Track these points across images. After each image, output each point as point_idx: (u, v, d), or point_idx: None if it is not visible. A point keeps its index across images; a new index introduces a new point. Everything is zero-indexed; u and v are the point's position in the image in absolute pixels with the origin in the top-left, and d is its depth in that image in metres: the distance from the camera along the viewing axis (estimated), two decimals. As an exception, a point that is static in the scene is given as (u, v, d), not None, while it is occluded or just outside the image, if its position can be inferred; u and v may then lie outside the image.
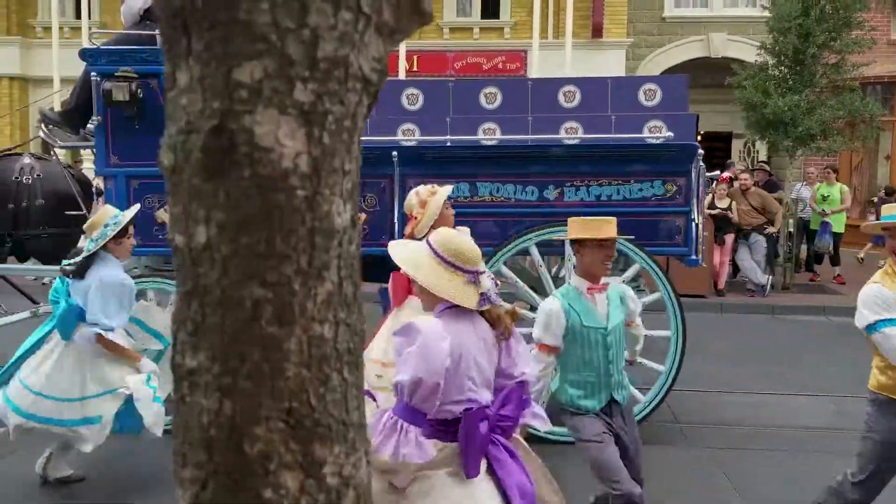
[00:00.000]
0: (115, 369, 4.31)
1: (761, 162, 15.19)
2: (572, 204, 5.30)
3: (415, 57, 14.63)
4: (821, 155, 12.25)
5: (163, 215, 5.25)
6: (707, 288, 10.47)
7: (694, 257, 5.48)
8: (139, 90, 5.26)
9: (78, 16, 15.90)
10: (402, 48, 13.47)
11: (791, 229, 11.52)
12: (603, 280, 3.51)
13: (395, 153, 5.22)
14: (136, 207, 4.62)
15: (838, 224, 11.70)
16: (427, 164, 5.31)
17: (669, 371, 5.31)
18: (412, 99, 5.48)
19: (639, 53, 15.84)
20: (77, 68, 5.57)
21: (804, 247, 12.37)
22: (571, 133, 5.33)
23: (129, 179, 5.43)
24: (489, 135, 5.36)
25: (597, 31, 15.03)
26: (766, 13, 11.78)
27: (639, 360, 4.97)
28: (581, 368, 3.45)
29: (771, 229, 10.92)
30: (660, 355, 5.35)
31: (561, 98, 5.45)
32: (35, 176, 6.61)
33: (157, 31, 5.45)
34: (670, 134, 5.19)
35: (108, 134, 5.41)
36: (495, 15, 15.72)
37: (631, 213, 5.29)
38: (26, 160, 6.76)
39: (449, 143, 5.31)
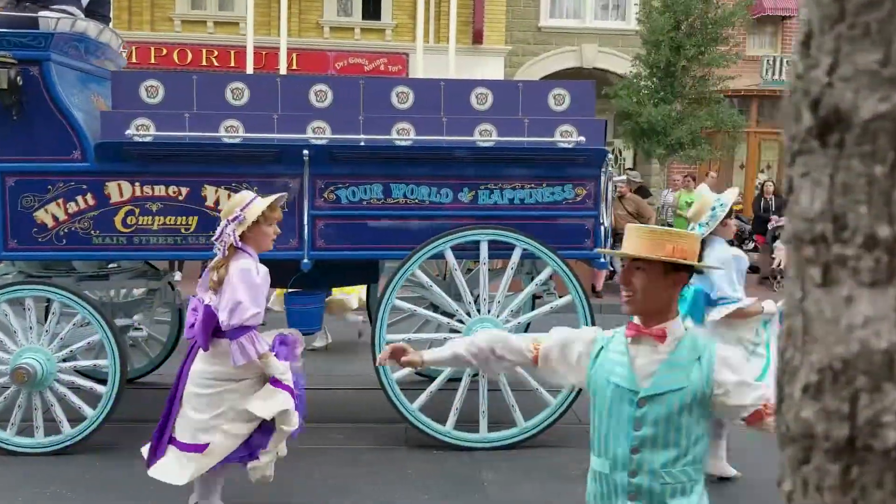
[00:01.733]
0: None
1: (629, 169, 15.91)
2: (486, 207, 5.27)
3: (294, 55, 14.22)
4: (689, 163, 12.95)
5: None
6: (586, 290, 10.75)
7: (603, 260, 5.59)
8: (18, 77, 4.75)
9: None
10: (283, 44, 13.04)
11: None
12: (666, 325, 2.26)
13: (306, 152, 4.99)
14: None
15: (702, 228, 12.41)
16: (339, 163, 5.12)
17: (580, 373, 5.38)
18: (321, 96, 5.25)
19: (516, 61, 16.16)
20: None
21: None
22: (486, 136, 5.29)
23: (3, 176, 4.88)
24: (403, 135, 5.23)
25: (477, 38, 15.20)
26: (635, 27, 12.37)
27: None
28: (598, 448, 2.31)
29: (645, 233, 11.40)
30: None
31: (473, 100, 5.39)
32: None
33: (39, 14, 4.95)
34: (582, 138, 5.26)
35: (-20, 125, 4.84)
36: (377, 16, 15.57)
37: (542, 216, 5.32)
38: None
39: (363, 143, 5.13)
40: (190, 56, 14.83)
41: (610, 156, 5.47)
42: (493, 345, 2.47)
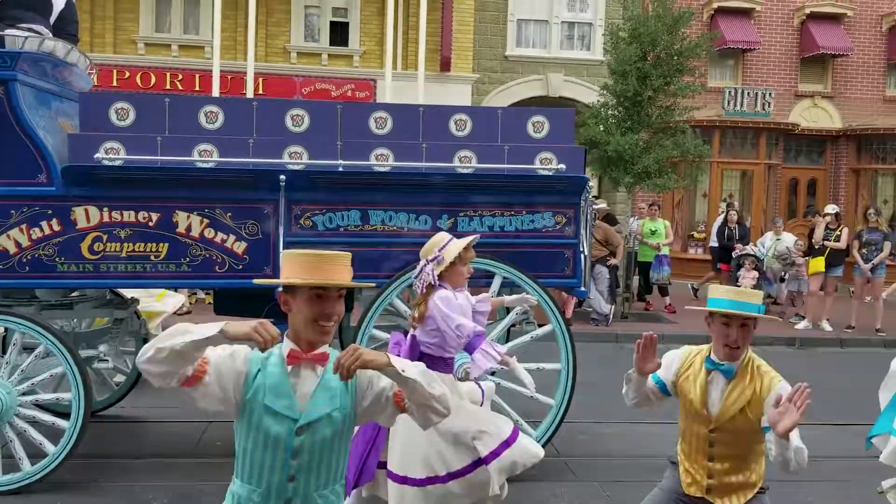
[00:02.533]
0: None
1: (594, 198, 16.03)
2: (466, 234, 5.18)
3: (261, 79, 14.09)
4: (656, 191, 13.06)
5: None
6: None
7: (583, 289, 5.53)
8: (-19, 97, 4.55)
9: None
10: (250, 69, 12.92)
11: (624, 261, 12.16)
12: (323, 349, 2.28)
13: (282, 177, 4.86)
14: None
15: (663, 257, 12.57)
16: (317, 189, 5.00)
17: (560, 404, 5.29)
18: (297, 120, 5.13)
19: (483, 89, 16.25)
20: None
21: (636, 278, 13.11)
22: (465, 162, 5.22)
23: (-38, 200, 4.65)
24: (382, 161, 5.13)
25: (445, 65, 15.24)
26: (601, 57, 12.51)
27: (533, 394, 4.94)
28: (247, 475, 2.23)
29: (613, 261, 11.45)
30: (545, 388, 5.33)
31: (452, 126, 5.32)
32: None
33: (5, 33, 4.76)
34: (562, 166, 5.23)
35: (-62, 146, 4.62)
36: (344, 42, 15.53)
37: (522, 244, 5.26)
38: None
39: (341, 168, 5.02)
40: (154, 79, 14.59)
41: (591, 183, 5.43)
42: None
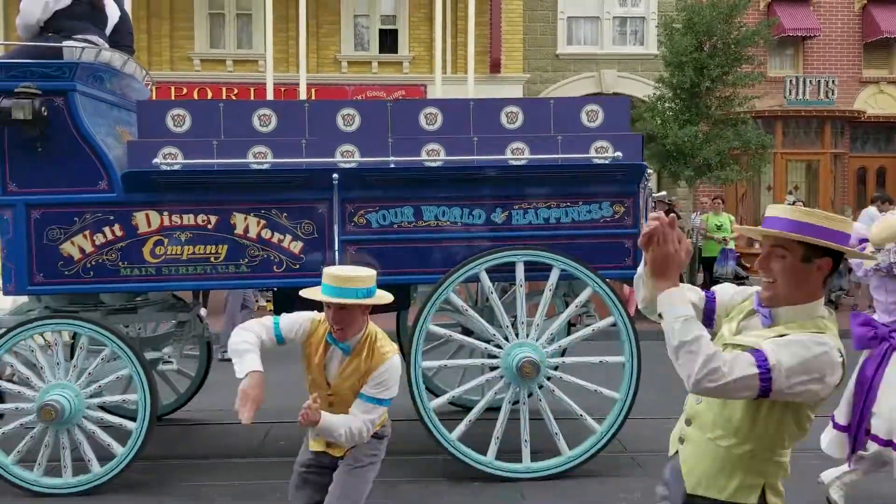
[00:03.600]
0: None
1: (659, 194, 15.73)
2: (521, 227, 5.11)
3: (313, 90, 14.28)
4: (718, 184, 12.73)
5: None
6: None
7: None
8: (43, 108, 4.67)
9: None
10: (303, 80, 13.11)
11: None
12: None
13: (335, 176, 4.86)
14: None
15: (730, 251, 12.19)
16: (369, 187, 4.99)
17: (625, 399, 5.15)
18: (348, 120, 5.14)
19: (534, 89, 16.12)
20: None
21: (700, 274, 12.77)
22: (518, 154, 5.14)
23: (28, 209, 4.78)
24: (433, 156, 5.09)
25: (495, 67, 15.20)
26: (655, 51, 12.27)
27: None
28: None
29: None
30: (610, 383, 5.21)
31: (503, 119, 5.26)
32: None
33: (63, 44, 4.89)
34: (619, 154, 5.10)
35: (5, 157, 4.76)
36: (393, 49, 15.63)
37: (580, 235, 5.14)
38: None
39: (393, 165, 5.00)
40: (210, 94, 14.92)
41: (649, 171, 5.28)
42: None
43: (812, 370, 2.00)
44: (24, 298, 5.34)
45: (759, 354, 2.01)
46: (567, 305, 5.22)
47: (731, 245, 12.30)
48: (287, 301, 5.60)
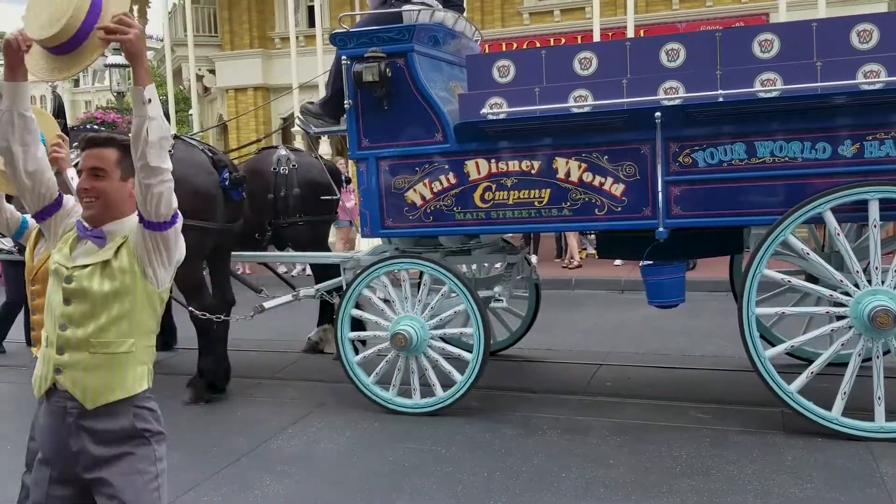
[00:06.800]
0: None
1: None
2: (876, 160, 4.49)
3: (641, 31, 13.85)
4: None
5: None
6: None
7: None
8: (388, 70, 5.19)
9: (311, 24, 16.82)
10: (630, 22, 12.77)
11: None
12: None
13: (658, 114, 4.71)
14: None
15: None
16: (696, 124, 4.74)
17: None
18: (672, 55, 4.92)
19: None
20: (310, 74, 5.54)
21: None
22: (872, 77, 4.49)
23: (378, 161, 5.39)
24: (768, 86, 4.66)
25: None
26: None
27: None
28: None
29: None
30: None
31: (854, 39, 4.61)
32: (291, 166, 6.86)
33: (402, 9, 5.36)
34: None
35: (359, 117, 5.40)
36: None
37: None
38: (282, 151, 7.04)
39: (721, 99, 4.69)
40: (539, 46, 15.25)
41: None
42: None
43: None
44: (378, 241, 6.06)
45: None
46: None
47: None
48: (611, 243, 5.63)
